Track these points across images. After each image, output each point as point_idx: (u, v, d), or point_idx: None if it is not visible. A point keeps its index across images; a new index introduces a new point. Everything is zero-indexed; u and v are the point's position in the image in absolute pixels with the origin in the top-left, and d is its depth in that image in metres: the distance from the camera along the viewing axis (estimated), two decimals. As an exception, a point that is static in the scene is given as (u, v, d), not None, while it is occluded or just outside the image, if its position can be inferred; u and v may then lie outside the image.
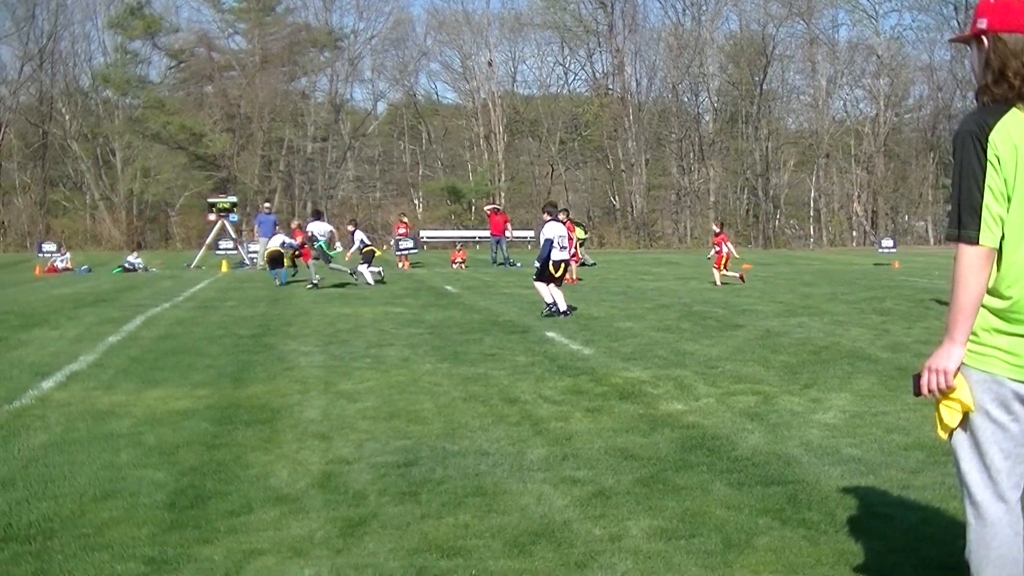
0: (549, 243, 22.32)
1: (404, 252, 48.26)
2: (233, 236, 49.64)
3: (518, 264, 44.09)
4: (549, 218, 23.07)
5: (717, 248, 31.91)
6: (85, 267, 44.06)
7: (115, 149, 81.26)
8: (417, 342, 17.44)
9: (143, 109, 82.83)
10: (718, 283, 31.10)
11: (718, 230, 33.02)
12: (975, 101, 4.52)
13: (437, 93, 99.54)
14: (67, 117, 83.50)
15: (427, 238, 67.04)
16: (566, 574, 6.42)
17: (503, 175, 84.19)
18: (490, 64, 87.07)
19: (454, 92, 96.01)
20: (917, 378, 4.54)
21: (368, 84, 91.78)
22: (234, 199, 50.60)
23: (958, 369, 4.43)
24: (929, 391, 4.48)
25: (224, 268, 42.40)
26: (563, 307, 21.97)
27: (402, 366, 14.68)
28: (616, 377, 13.63)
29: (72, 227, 78.98)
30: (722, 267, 31.35)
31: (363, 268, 32.20)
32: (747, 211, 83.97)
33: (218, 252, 47.03)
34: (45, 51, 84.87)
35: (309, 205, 79.60)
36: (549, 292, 22.16)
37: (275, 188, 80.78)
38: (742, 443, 9.71)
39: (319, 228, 31.89)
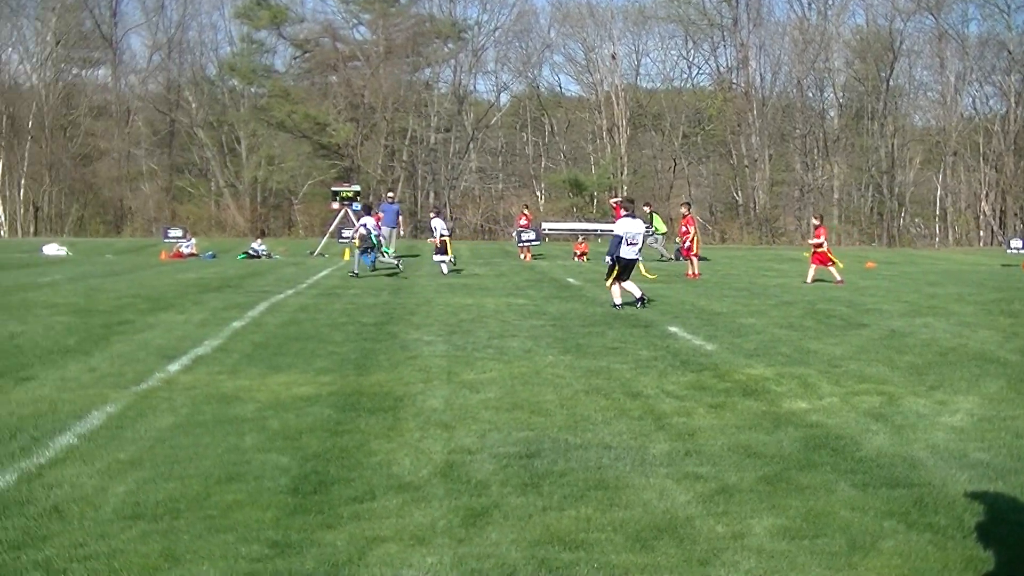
0: (618, 239, 22.07)
1: (526, 244, 48.31)
2: (356, 225, 49.98)
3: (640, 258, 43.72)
4: (625, 214, 22.58)
5: (817, 241, 31.39)
6: (210, 253, 44.68)
7: (240, 137, 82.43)
8: (539, 334, 17.40)
9: (268, 98, 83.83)
10: (808, 280, 30.53)
11: (817, 222, 32.51)
12: None
13: (560, 85, 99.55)
14: (194, 105, 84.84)
15: (549, 230, 66.92)
16: (688, 571, 6.36)
17: (625, 168, 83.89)
18: (613, 57, 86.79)
19: (577, 84, 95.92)
20: None
21: (491, 75, 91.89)
22: (357, 188, 50.93)
23: None
24: None
25: (347, 256, 42.71)
26: (637, 294, 21.99)
27: (524, 357, 14.65)
28: (739, 374, 13.49)
29: (197, 213, 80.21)
30: (827, 263, 30.74)
31: (437, 258, 32.32)
32: (871, 209, 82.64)
33: (341, 240, 47.47)
34: (173, 40, 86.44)
35: (432, 195, 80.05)
36: (619, 294, 21.97)
37: (398, 178, 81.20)
38: (867, 444, 9.56)
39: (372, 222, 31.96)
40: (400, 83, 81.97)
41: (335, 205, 48.05)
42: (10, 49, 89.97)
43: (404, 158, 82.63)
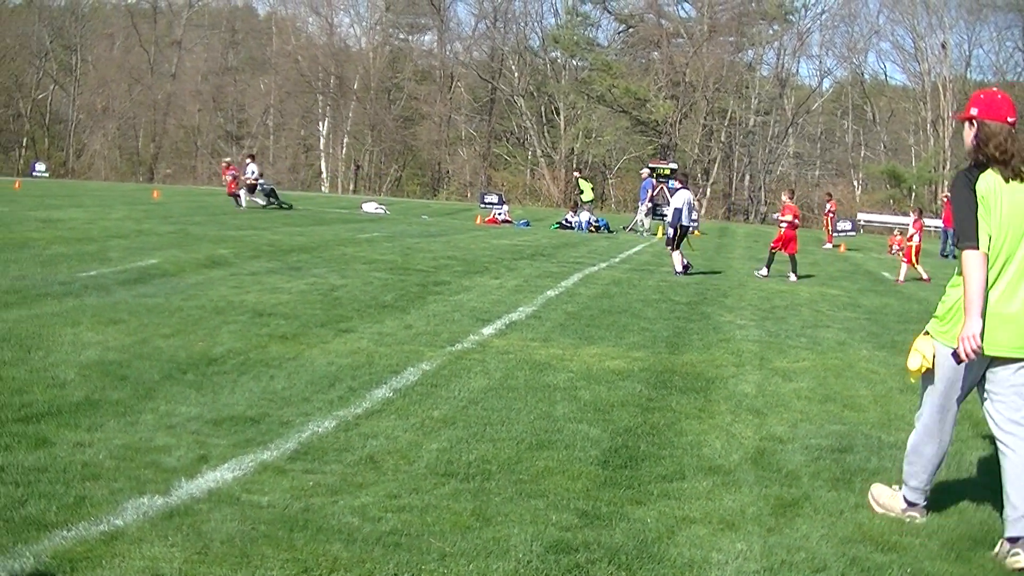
0: (679, 211, 24.41)
1: (841, 233, 47.38)
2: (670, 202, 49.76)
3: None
4: (680, 186, 25.59)
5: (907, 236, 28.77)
6: (524, 221, 45.16)
7: (559, 108, 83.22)
8: (853, 327, 16.95)
9: (590, 71, 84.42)
10: (900, 279, 27.37)
11: (915, 216, 29.42)
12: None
13: (886, 73, 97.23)
14: (516, 74, 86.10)
15: (864, 221, 65.27)
16: (1005, 588, 6.08)
17: (948, 163, 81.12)
18: (943, 46, 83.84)
19: (903, 73, 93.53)
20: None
21: (815, 60, 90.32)
22: (674, 165, 50.73)
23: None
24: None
25: (659, 234, 42.67)
26: (678, 268, 23.82)
27: (838, 349, 14.30)
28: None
29: (512, 181, 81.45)
30: (913, 261, 27.65)
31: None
32: None
33: (656, 217, 47.30)
34: (499, 10, 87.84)
35: (748, 178, 79.14)
36: (679, 258, 23.91)
37: (714, 158, 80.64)
38: None
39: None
40: (722, 63, 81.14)
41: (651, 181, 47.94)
42: (342, 12, 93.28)
43: (722, 139, 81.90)
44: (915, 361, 6.89)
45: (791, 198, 27.32)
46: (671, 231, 24.41)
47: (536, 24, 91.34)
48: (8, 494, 6.45)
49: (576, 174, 48.83)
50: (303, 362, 10.95)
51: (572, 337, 13.70)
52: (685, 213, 24.26)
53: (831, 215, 47.40)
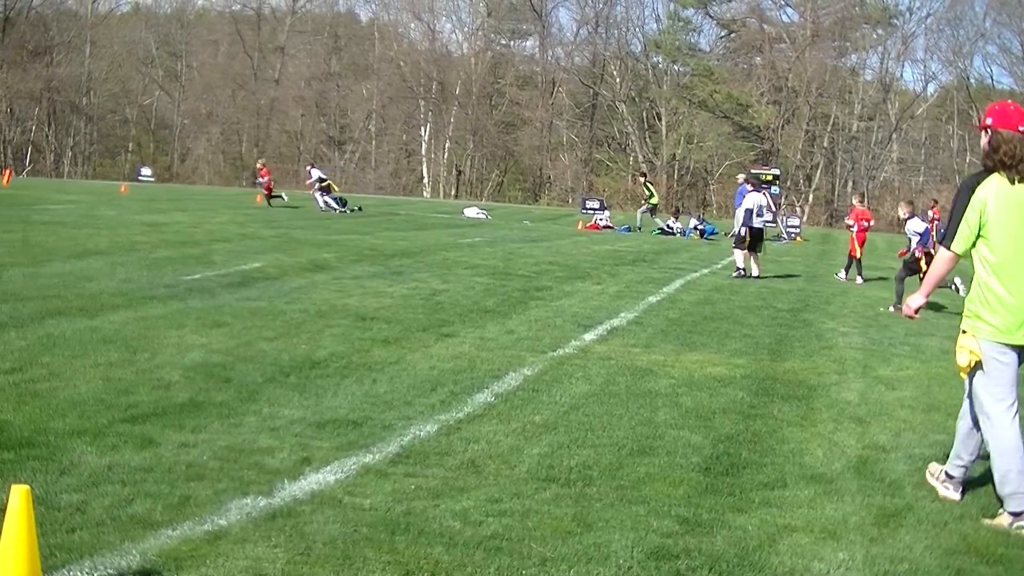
0: (748, 213, 24.62)
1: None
2: (773, 208, 49.25)
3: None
4: (751, 189, 25.62)
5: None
6: (625, 227, 45.09)
7: (661, 114, 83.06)
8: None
9: (691, 76, 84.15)
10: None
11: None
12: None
13: (992, 77, 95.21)
14: (617, 80, 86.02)
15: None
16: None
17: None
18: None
19: (1010, 77, 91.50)
20: None
21: (919, 64, 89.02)
22: (776, 171, 50.43)
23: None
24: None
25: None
26: (755, 272, 23.89)
27: (942, 358, 14.04)
28: None
29: (613, 186, 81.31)
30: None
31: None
32: None
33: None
34: (601, 15, 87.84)
35: (851, 184, 78.26)
36: (743, 257, 24.29)
37: (817, 164, 79.89)
38: None
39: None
40: (825, 67, 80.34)
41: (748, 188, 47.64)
42: (444, 18, 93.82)
43: (824, 144, 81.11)
44: (963, 358, 7.37)
45: (861, 202, 27.29)
46: (741, 232, 24.74)
47: (638, 29, 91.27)
48: (116, 493, 6.56)
49: (642, 178, 48.65)
50: (405, 366, 11.00)
51: (674, 343, 13.65)
52: (755, 215, 24.42)
53: (935, 222, 46.69)
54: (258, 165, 47.39)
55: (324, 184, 42.97)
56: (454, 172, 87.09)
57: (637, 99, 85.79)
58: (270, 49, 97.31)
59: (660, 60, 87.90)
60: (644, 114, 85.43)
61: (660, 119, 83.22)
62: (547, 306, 16.53)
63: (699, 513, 6.84)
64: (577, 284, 19.84)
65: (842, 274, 25.46)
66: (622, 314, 16.09)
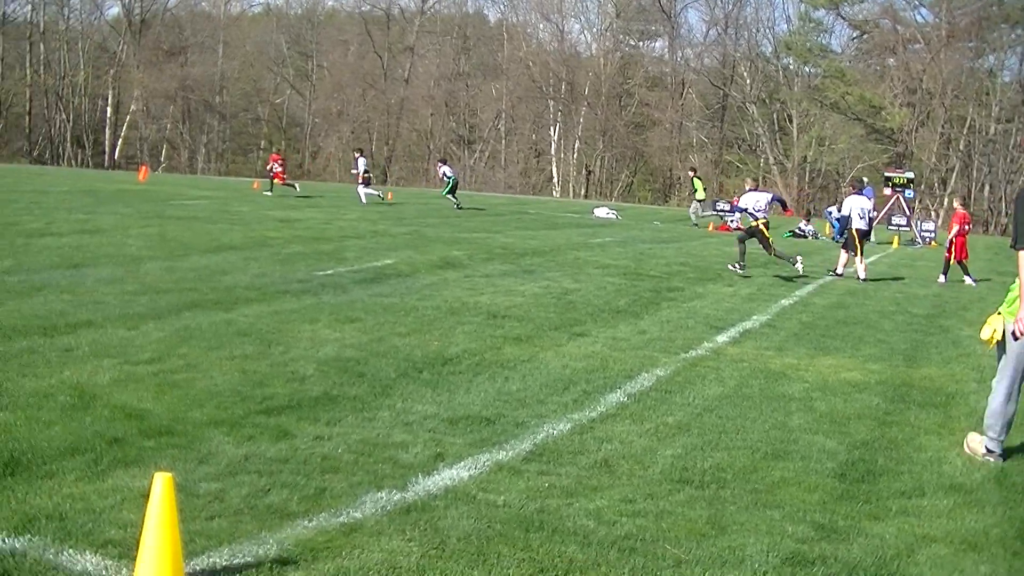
0: (846, 219, 24.78)
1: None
2: (907, 212, 48.52)
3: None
4: (852, 192, 25.64)
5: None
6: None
7: (792, 116, 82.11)
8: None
9: (823, 78, 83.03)
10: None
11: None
12: None
13: None
14: (747, 81, 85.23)
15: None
16: None
17: None
18: None
19: None
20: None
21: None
22: (910, 175, 49.54)
23: None
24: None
25: (895, 244, 41.70)
26: (862, 275, 23.41)
27: None
28: None
29: (743, 188, 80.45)
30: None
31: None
32: None
33: (891, 227, 46.25)
34: (731, 16, 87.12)
35: (987, 189, 76.72)
36: (846, 259, 24.22)
37: (952, 167, 78.37)
38: None
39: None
40: (961, 69, 78.75)
41: (887, 191, 46.90)
42: (572, 19, 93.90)
43: (960, 147, 79.56)
44: (987, 332, 8.67)
45: (963, 205, 27.05)
46: (843, 237, 24.94)
47: (768, 30, 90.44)
48: (252, 483, 6.65)
49: (691, 172, 48.26)
50: (537, 364, 11.02)
51: (807, 347, 13.48)
52: (855, 219, 24.17)
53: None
54: (273, 152, 47.60)
55: (366, 176, 43.18)
56: (584, 172, 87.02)
57: (768, 101, 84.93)
58: (399, 49, 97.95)
59: (791, 61, 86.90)
60: (775, 116, 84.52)
61: (791, 121, 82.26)
62: (679, 307, 16.43)
63: (835, 519, 6.76)
64: (708, 286, 19.68)
65: (942, 278, 24.94)
66: (754, 317, 15.94)
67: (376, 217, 32.95)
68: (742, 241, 22.94)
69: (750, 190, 24.26)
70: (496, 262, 21.06)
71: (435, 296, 15.51)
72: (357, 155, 45.11)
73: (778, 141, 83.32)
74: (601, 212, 47.62)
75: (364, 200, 41.69)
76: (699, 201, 46.08)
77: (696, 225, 43.89)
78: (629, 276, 20.08)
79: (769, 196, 23.83)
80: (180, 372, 9.54)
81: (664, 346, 12.70)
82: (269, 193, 42.35)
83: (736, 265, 22.26)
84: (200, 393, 8.79)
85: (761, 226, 22.70)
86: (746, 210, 23.83)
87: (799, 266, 22.66)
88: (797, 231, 42.97)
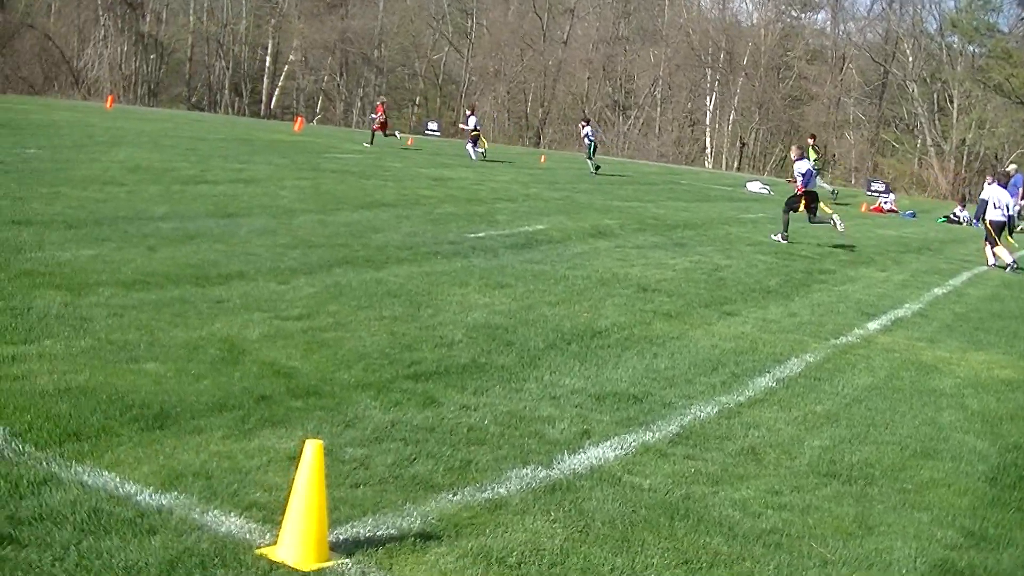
0: (984, 203, 24.87)
1: None
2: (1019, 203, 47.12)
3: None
4: (990, 180, 26.14)
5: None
6: (910, 212, 43.87)
7: (953, 96, 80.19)
8: None
9: (987, 58, 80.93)
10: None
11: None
12: None
13: None
14: (910, 59, 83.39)
15: None
16: None
17: None
18: None
19: None
20: None
21: None
22: (1076, 164, 48.20)
23: None
24: None
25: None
26: (1008, 260, 23.11)
27: None
28: None
29: (899, 169, 79.07)
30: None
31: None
32: None
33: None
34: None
35: None
36: (993, 254, 23.67)
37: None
38: None
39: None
40: None
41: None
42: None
43: None
44: None
45: None
46: (979, 225, 25.28)
47: (934, 7, 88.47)
48: (398, 451, 6.70)
49: (810, 140, 47.27)
50: (686, 342, 10.95)
51: (960, 340, 13.19)
52: (991, 209, 24.12)
53: None
54: (378, 102, 47.37)
55: (475, 134, 43.09)
56: (738, 144, 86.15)
57: (928, 80, 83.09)
58: (559, 11, 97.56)
59: (956, 40, 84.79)
60: (935, 95, 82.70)
61: (951, 102, 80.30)
62: (830, 290, 16.18)
63: (985, 527, 6.61)
64: (861, 269, 19.35)
65: None
66: (906, 305, 15.63)
67: (528, 180, 32.99)
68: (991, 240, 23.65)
69: (797, 159, 24.24)
70: (647, 233, 20.94)
71: (586, 265, 15.47)
72: (468, 112, 45.33)
73: (936, 122, 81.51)
74: (754, 187, 47.10)
75: (474, 157, 41.83)
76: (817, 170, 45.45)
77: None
78: (780, 255, 19.81)
79: (811, 168, 23.85)
80: (329, 330, 9.64)
81: (814, 331, 12.52)
82: (368, 145, 42.27)
83: (780, 236, 22.51)
84: (348, 354, 8.88)
85: (800, 194, 22.92)
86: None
87: (840, 226, 22.61)
88: (951, 216, 42.11)
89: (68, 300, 9.67)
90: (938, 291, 17.77)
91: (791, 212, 22.74)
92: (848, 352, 11.49)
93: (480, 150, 43.21)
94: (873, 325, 13.42)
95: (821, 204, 23.25)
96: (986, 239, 24.03)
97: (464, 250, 15.58)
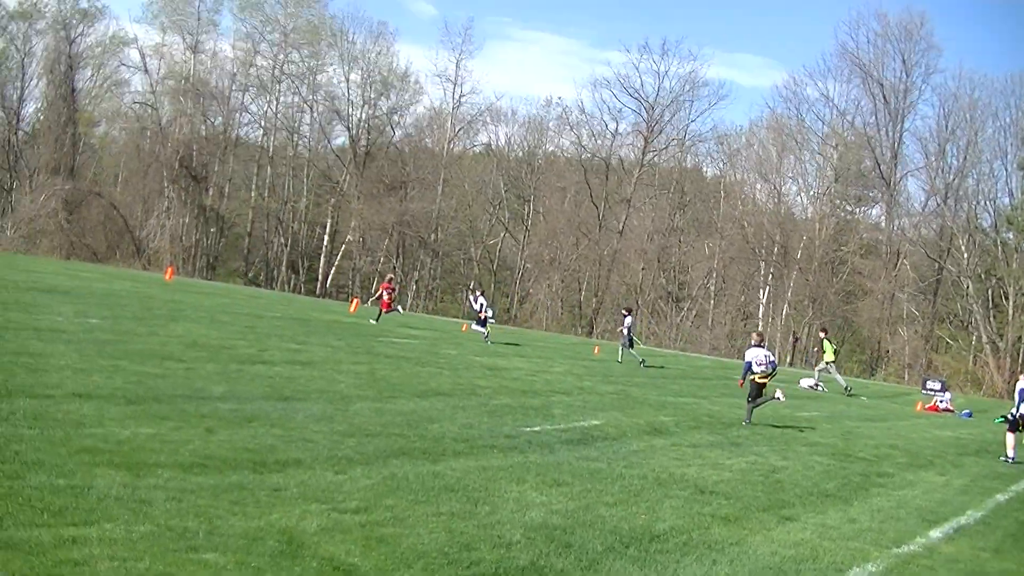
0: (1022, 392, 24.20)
1: None
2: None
3: None
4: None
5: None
6: (967, 411, 43.40)
7: (1008, 293, 79.95)
8: None
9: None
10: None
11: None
12: None
13: None
14: (964, 255, 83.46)
15: None
16: None
17: None
18: None
19: None
20: None
21: None
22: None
23: None
24: None
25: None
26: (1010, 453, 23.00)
27: None
28: None
29: (954, 366, 78.49)
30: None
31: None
32: None
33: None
34: (951, 187, 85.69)
35: None
36: (1013, 442, 23.66)
37: None
38: None
39: None
40: None
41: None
42: (790, 180, 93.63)
43: None
44: None
45: None
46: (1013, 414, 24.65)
47: (989, 203, 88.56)
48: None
49: (822, 333, 47.00)
50: (745, 548, 10.80)
51: (1033, 550, 12.94)
52: (1019, 402, 24.27)
53: None
54: (385, 281, 47.48)
55: (481, 316, 43.20)
56: (791, 339, 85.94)
57: (984, 276, 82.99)
58: (616, 200, 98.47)
59: (1011, 236, 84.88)
60: (990, 292, 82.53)
61: (1007, 298, 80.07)
62: (889, 495, 15.95)
63: None
64: (920, 473, 19.09)
65: None
66: (968, 511, 15.37)
67: (582, 372, 32.92)
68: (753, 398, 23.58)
69: (754, 345, 24.32)
70: (703, 431, 20.80)
71: (642, 464, 15.36)
72: (479, 293, 45.73)
73: (992, 319, 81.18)
74: (806, 383, 46.82)
75: (485, 333, 42.00)
76: (828, 363, 45.19)
77: (816, 387, 43.30)
78: (837, 456, 19.59)
79: (771, 356, 23.94)
80: (387, 525, 9.58)
81: (875, 538, 12.32)
82: (375, 322, 42.06)
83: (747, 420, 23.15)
84: (407, 551, 8.80)
85: (759, 379, 23.21)
86: (750, 364, 23.83)
87: (779, 395, 23.64)
88: (1009, 416, 41.59)
89: (127, 481, 9.68)
90: (1000, 497, 17.48)
91: (757, 399, 23.43)
92: (911, 562, 11.30)
93: (483, 331, 43.17)
94: (935, 533, 13.19)
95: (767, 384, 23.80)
96: (1012, 429, 24.36)
97: (520, 444, 15.52)
